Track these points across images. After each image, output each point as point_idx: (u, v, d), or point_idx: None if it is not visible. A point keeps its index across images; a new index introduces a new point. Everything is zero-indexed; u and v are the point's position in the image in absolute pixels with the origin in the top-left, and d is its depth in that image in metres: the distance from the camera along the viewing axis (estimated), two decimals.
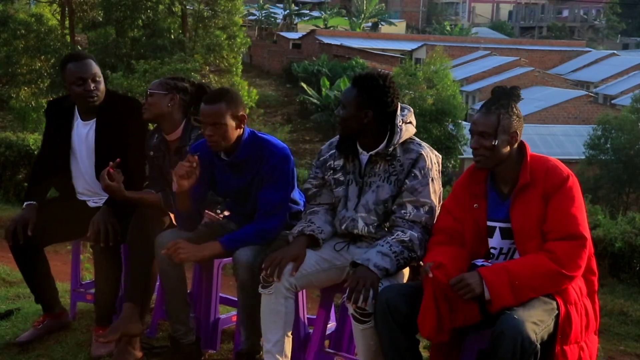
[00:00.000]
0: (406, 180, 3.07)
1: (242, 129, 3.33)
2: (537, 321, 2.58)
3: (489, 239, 2.90)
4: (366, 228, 3.15)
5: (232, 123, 3.27)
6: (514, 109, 2.82)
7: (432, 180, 3.09)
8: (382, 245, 2.99)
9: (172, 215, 3.68)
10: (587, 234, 2.74)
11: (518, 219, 2.79)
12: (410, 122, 3.17)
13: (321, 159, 3.31)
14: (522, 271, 2.65)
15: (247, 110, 3.56)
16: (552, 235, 2.71)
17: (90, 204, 3.88)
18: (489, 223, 2.89)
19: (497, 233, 2.87)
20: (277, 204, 3.34)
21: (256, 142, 3.36)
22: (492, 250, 2.90)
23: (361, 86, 3.08)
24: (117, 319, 3.65)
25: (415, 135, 3.22)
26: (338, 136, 3.25)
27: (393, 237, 3.02)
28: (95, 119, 3.78)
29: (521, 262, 2.70)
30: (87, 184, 3.86)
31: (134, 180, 3.70)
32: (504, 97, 2.82)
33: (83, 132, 3.81)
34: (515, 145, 2.83)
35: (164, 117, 3.63)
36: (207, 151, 3.37)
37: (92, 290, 4.27)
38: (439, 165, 3.19)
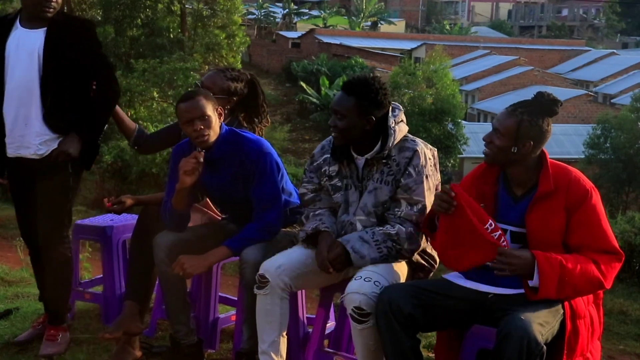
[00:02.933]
0: (401, 179, 3.08)
1: (220, 124, 3.33)
2: (542, 322, 2.58)
3: None
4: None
5: (214, 116, 3.28)
6: (541, 121, 2.76)
7: (427, 177, 3.09)
8: (366, 232, 3.03)
9: None
10: (619, 248, 2.76)
11: (536, 226, 2.76)
12: (402, 121, 3.16)
13: (315, 163, 3.29)
14: (574, 269, 2.64)
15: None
16: (589, 249, 2.71)
17: (11, 151, 3.45)
18: (499, 225, 2.85)
19: (507, 236, 2.84)
20: (270, 196, 3.34)
21: (233, 138, 3.35)
22: None
23: (359, 93, 3.04)
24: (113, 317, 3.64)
25: (414, 134, 3.22)
26: (329, 141, 3.23)
27: (380, 228, 3.05)
28: (45, 29, 3.41)
29: (574, 260, 2.67)
30: (20, 105, 3.40)
31: (109, 97, 3.56)
32: (538, 106, 2.78)
33: (25, 39, 3.42)
34: (529, 152, 2.78)
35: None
36: (188, 152, 3.36)
37: (91, 290, 4.28)
38: (434, 159, 3.19)
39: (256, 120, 3.72)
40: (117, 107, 3.72)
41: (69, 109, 3.46)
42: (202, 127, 3.23)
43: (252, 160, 3.32)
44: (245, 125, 3.66)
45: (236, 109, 3.67)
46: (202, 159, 3.23)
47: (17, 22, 3.46)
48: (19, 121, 3.43)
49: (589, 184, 2.79)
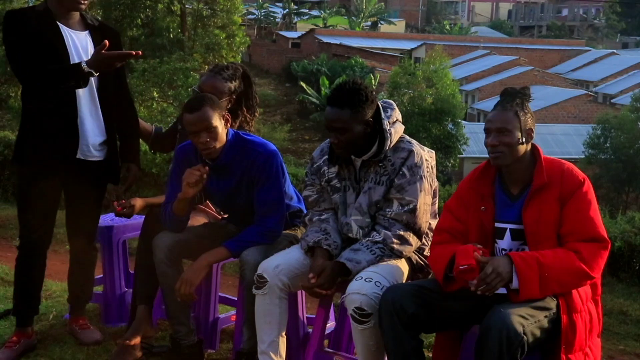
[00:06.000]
0: (395, 179, 3.08)
1: (227, 130, 3.32)
2: (524, 314, 2.58)
3: (499, 240, 2.89)
4: (361, 231, 3.16)
5: (221, 124, 3.26)
6: (528, 107, 2.84)
7: (422, 178, 3.08)
8: (356, 245, 3.07)
9: None
10: (606, 235, 2.75)
11: (532, 221, 2.78)
12: (397, 121, 3.15)
13: (315, 165, 3.29)
14: (552, 264, 2.65)
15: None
16: (573, 237, 2.71)
17: (95, 152, 3.48)
18: (498, 224, 2.87)
19: (507, 234, 2.86)
20: (273, 202, 3.34)
21: (240, 143, 3.34)
22: (502, 252, 2.88)
23: (352, 102, 3.02)
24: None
25: (414, 134, 3.22)
26: (328, 143, 3.22)
27: (368, 239, 3.07)
28: (87, 32, 3.44)
29: (552, 255, 2.68)
30: (88, 109, 3.44)
31: (129, 103, 3.67)
32: (517, 96, 2.84)
33: (77, 41, 3.40)
34: (530, 145, 2.83)
35: None
36: (192, 155, 3.36)
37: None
38: (431, 161, 3.19)
39: (250, 111, 3.70)
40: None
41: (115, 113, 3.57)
42: (208, 139, 3.21)
43: (259, 165, 3.31)
44: (247, 118, 3.67)
45: (236, 106, 3.65)
46: (206, 176, 3.23)
47: (54, 19, 3.37)
48: (89, 125, 3.46)
49: (581, 174, 2.81)
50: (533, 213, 2.77)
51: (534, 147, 2.87)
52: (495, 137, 2.80)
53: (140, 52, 3.39)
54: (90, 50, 3.40)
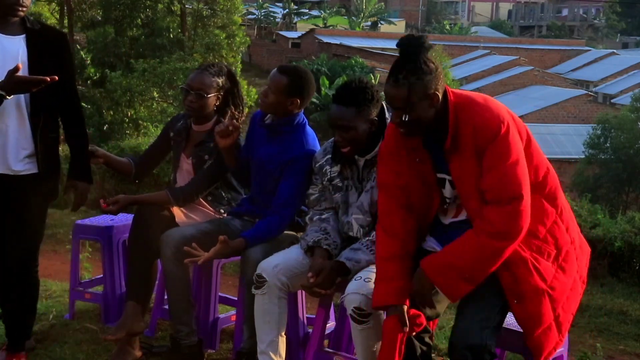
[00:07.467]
0: None
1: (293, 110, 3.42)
2: (484, 317, 2.58)
3: (443, 189, 2.77)
4: (361, 230, 3.16)
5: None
6: (425, 66, 2.56)
7: None
8: (355, 244, 3.08)
9: (175, 211, 3.66)
10: (524, 189, 2.50)
11: (456, 177, 2.64)
12: None
13: (317, 165, 3.30)
14: (467, 262, 2.53)
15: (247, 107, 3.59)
16: (487, 195, 2.54)
17: (21, 165, 3.21)
18: (439, 175, 2.75)
19: (447, 185, 2.75)
20: (295, 194, 3.36)
21: (297, 128, 3.44)
22: (447, 200, 2.79)
23: (357, 101, 3.03)
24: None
25: None
26: (331, 142, 3.24)
27: (367, 238, 3.09)
28: (23, 35, 3.21)
29: (462, 250, 2.55)
30: (5, 116, 3.17)
31: (77, 116, 3.43)
32: (410, 59, 2.57)
33: (8, 47, 3.18)
34: (439, 101, 2.59)
35: (206, 113, 3.66)
36: (258, 120, 3.53)
37: (91, 290, 4.28)
38: None
39: (237, 109, 3.75)
40: (104, 152, 3.74)
41: (53, 123, 3.32)
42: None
43: (292, 156, 3.35)
44: (236, 115, 3.72)
45: (224, 104, 3.70)
46: (232, 128, 3.37)
47: None
48: (13, 139, 3.21)
49: (495, 121, 2.54)
50: (455, 170, 2.63)
51: (444, 95, 2.60)
52: (395, 114, 2.62)
53: (57, 78, 3.07)
54: (21, 55, 3.17)
